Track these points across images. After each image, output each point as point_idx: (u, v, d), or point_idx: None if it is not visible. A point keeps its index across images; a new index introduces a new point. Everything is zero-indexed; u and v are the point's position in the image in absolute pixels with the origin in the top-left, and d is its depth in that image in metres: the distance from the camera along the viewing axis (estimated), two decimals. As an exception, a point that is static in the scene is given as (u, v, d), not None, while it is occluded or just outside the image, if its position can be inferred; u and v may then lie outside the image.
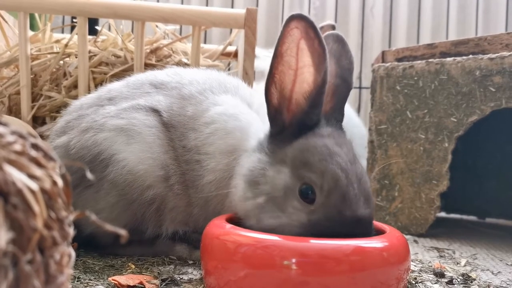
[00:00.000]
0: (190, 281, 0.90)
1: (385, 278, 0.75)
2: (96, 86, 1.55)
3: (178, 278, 0.91)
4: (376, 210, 1.61)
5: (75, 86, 1.60)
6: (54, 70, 1.64)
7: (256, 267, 0.74)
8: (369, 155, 1.67)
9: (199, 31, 1.55)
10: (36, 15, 1.86)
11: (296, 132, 0.88)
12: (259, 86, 1.74)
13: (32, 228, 0.39)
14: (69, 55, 1.65)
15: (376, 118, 1.65)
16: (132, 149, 1.01)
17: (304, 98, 0.87)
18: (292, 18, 0.84)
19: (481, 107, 1.44)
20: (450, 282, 0.98)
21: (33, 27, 1.87)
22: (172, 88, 1.11)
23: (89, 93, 1.30)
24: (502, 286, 0.98)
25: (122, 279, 0.86)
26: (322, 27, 2.19)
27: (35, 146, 0.44)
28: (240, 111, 1.05)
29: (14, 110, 1.65)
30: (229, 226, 0.84)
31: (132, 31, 1.63)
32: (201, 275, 0.94)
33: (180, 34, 2.21)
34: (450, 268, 1.11)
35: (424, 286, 0.95)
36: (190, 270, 0.99)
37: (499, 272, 1.11)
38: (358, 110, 3.04)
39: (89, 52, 1.60)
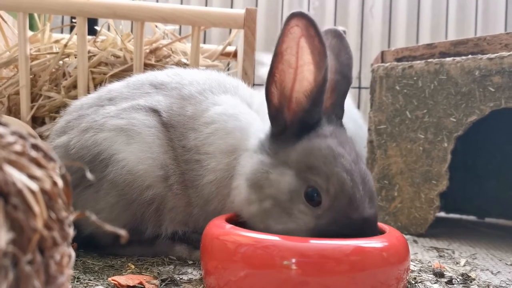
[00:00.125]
0: (189, 281, 0.90)
1: (385, 278, 0.75)
2: (95, 86, 1.56)
3: (178, 278, 0.91)
4: (376, 210, 1.61)
5: (74, 86, 1.60)
6: (54, 70, 1.64)
7: (256, 267, 0.74)
8: (368, 155, 1.67)
9: (199, 31, 1.55)
10: (36, 15, 1.86)
11: (298, 132, 0.88)
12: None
13: (32, 228, 0.39)
14: (68, 55, 1.65)
15: (375, 118, 1.65)
16: (131, 149, 1.01)
17: (305, 96, 0.87)
18: (293, 16, 0.84)
19: (480, 107, 1.44)
20: (450, 282, 0.98)
21: (32, 27, 1.87)
22: (172, 88, 1.11)
23: (88, 93, 1.30)
24: (501, 286, 0.98)
25: (122, 279, 0.86)
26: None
27: (35, 147, 0.44)
28: (240, 111, 1.05)
29: (13, 110, 1.65)
30: (229, 226, 0.84)
31: (132, 31, 1.63)
32: (201, 275, 0.94)
33: (180, 34, 2.21)
34: (450, 268, 1.11)
35: (424, 286, 0.95)
36: (190, 270, 0.99)
37: (498, 272, 1.11)
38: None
39: (89, 52, 1.60)
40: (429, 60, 1.56)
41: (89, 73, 1.58)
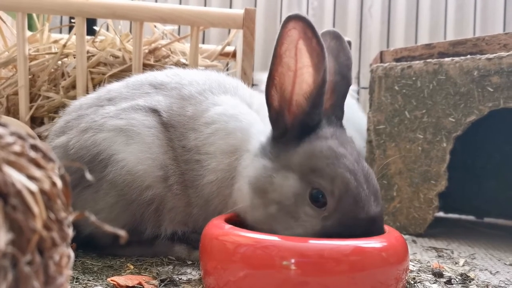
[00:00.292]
0: (189, 281, 0.90)
1: (384, 278, 0.75)
2: (94, 86, 1.55)
3: (177, 279, 0.91)
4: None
5: (73, 86, 1.60)
6: (52, 70, 1.64)
7: (256, 267, 0.74)
8: (367, 155, 1.67)
9: (198, 31, 1.55)
10: (34, 15, 1.86)
11: (299, 134, 0.88)
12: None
13: (32, 229, 0.39)
14: (67, 56, 1.65)
15: (374, 118, 1.65)
16: (131, 149, 1.01)
17: (304, 98, 0.87)
18: (290, 18, 0.84)
19: (479, 107, 1.44)
20: (449, 282, 0.98)
21: (31, 27, 1.86)
22: (171, 88, 1.11)
23: (87, 93, 1.29)
24: (500, 286, 0.98)
25: (121, 279, 0.86)
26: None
27: (34, 147, 0.44)
28: (240, 111, 1.05)
29: (12, 111, 1.65)
30: (228, 226, 0.83)
31: (131, 31, 1.63)
32: (200, 275, 0.94)
33: (179, 34, 2.21)
34: (449, 268, 1.11)
35: (423, 286, 0.95)
36: (189, 270, 0.98)
37: (497, 272, 1.11)
38: (357, 110, 3.04)
39: (87, 52, 1.59)
40: (428, 60, 1.56)
41: (88, 73, 1.57)
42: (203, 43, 2.66)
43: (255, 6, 3.11)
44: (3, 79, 1.68)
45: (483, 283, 0.99)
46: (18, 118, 1.56)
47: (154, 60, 1.66)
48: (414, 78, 1.57)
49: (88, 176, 0.57)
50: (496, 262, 1.22)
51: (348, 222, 0.80)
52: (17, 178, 0.39)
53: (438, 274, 1.03)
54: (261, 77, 2.19)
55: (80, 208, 0.93)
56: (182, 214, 1.05)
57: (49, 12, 1.58)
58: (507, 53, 1.40)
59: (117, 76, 1.53)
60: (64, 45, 1.62)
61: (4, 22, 1.76)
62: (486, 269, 1.13)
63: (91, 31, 1.74)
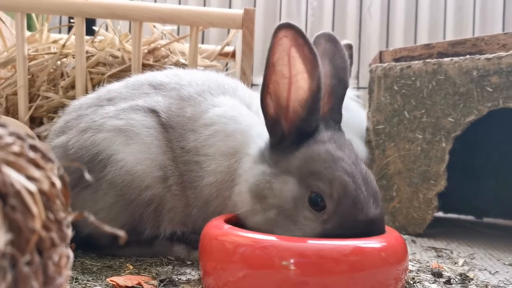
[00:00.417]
0: (188, 281, 0.90)
1: (383, 278, 0.75)
2: (93, 86, 1.55)
3: (176, 279, 0.91)
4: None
5: (72, 86, 1.60)
6: (52, 70, 1.64)
7: (255, 267, 0.74)
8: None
9: (197, 31, 1.55)
10: (33, 15, 1.86)
11: (297, 140, 0.88)
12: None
13: (31, 229, 0.39)
14: (66, 56, 1.65)
15: (373, 118, 1.65)
16: (130, 149, 1.01)
17: (300, 105, 0.86)
18: (280, 27, 0.84)
19: (478, 107, 1.44)
20: (448, 282, 0.98)
21: (30, 27, 1.86)
22: (171, 89, 1.11)
23: (86, 93, 1.29)
24: (499, 286, 0.98)
25: (120, 280, 0.86)
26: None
27: (33, 147, 0.44)
28: (239, 113, 1.04)
29: (11, 111, 1.64)
30: (227, 226, 0.83)
31: (130, 31, 1.63)
32: (199, 275, 0.94)
33: (178, 34, 2.21)
34: (448, 268, 1.12)
35: (422, 286, 0.95)
36: (188, 270, 0.98)
37: (496, 272, 1.12)
38: (356, 110, 3.04)
39: (87, 52, 1.59)
40: (427, 60, 1.56)
41: (87, 73, 1.57)
42: (202, 43, 2.65)
43: (255, 6, 3.11)
44: (2, 79, 1.68)
45: (482, 283, 0.99)
46: (17, 118, 1.56)
47: (153, 60, 1.66)
48: (413, 78, 1.57)
49: (87, 176, 0.57)
50: (495, 262, 1.22)
51: (347, 224, 0.80)
52: (16, 178, 0.39)
53: (437, 274, 1.03)
54: (260, 80, 2.19)
55: (79, 208, 0.93)
56: (181, 214, 1.05)
57: (48, 12, 1.58)
58: (506, 53, 1.40)
59: (116, 76, 1.53)
60: (63, 45, 1.62)
61: (3, 22, 1.76)
62: (485, 269, 1.13)
63: (90, 31, 1.73)
